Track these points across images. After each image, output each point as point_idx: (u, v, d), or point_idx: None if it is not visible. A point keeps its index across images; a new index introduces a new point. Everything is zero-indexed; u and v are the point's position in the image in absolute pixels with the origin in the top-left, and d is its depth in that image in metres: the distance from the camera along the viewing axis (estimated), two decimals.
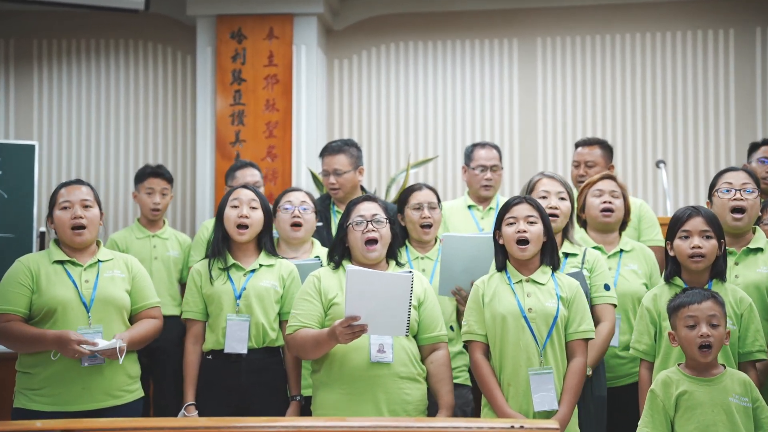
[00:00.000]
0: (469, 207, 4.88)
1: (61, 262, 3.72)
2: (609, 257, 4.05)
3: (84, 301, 3.66)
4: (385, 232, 3.66)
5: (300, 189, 4.40)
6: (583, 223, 4.18)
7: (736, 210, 3.78)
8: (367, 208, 3.68)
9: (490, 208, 4.87)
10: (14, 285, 3.67)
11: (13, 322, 3.61)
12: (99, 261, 3.77)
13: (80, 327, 3.62)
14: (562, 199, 3.92)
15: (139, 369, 3.83)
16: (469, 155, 4.98)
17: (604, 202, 4.09)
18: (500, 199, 4.91)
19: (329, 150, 4.90)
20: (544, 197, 3.86)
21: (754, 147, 5.01)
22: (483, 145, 5.02)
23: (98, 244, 3.83)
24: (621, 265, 4.03)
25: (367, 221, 3.63)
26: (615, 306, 3.82)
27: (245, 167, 5.26)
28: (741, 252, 3.79)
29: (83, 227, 3.72)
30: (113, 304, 3.71)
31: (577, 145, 5.06)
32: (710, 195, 3.90)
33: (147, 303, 3.82)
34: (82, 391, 3.63)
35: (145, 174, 5.24)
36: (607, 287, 3.81)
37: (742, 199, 3.79)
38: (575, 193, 4.17)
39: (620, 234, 4.17)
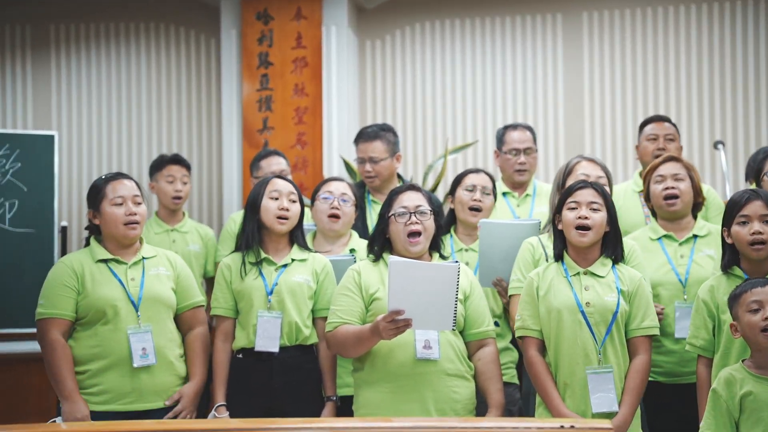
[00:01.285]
0: (504, 194, 4.84)
1: (105, 261, 3.80)
2: (681, 244, 3.98)
3: (132, 300, 3.75)
4: (429, 224, 3.66)
5: (341, 179, 4.41)
6: (653, 212, 4.12)
7: None
8: (410, 199, 3.69)
9: (527, 195, 4.84)
10: (60, 288, 3.75)
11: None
12: (144, 258, 3.85)
13: (130, 327, 3.72)
14: (603, 185, 3.89)
15: (185, 369, 3.89)
16: (500, 138, 4.96)
17: (666, 189, 4.00)
18: (537, 185, 4.88)
19: (364, 136, 4.90)
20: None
21: None
22: (515, 126, 4.99)
23: (141, 240, 3.91)
24: (695, 251, 3.93)
25: (411, 213, 3.64)
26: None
27: (270, 156, 5.26)
28: None
29: (137, 222, 3.81)
30: (161, 302, 3.81)
31: (648, 122, 4.98)
32: (758, 179, 3.83)
33: (192, 302, 3.92)
34: (133, 391, 3.72)
35: (163, 162, 5.27)
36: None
37: None
38: (632, 176, 4.11)
39: (695, 217, 4.08)
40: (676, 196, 4.00)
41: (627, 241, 3.83)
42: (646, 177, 4.10)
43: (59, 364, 3.69)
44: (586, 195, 3.52)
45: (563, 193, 3.60)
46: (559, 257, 3.56)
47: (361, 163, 4.86)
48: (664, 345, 3.90)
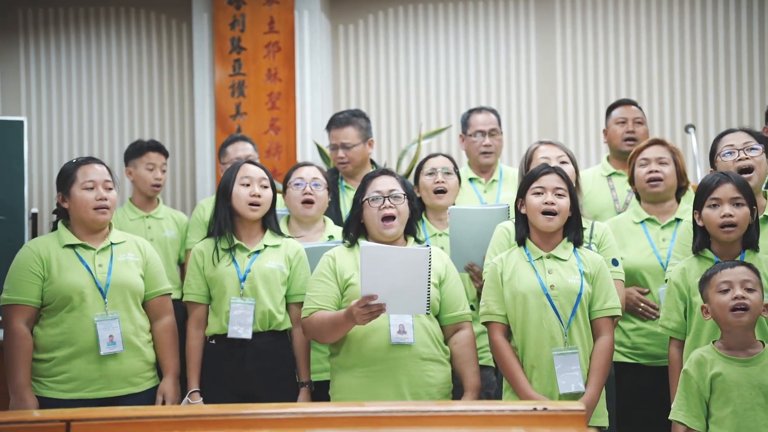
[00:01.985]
0: (471, 180, 4.85)
1: (72, 246, 3.76)
2: (663, 227, 4.02)
3: (99, 286, 3.72)
4: (403, 208, 3.67)
5: (312, 164, 4.41)
6: (637, 195, 4.14)
7: (743, 171, 3.69)
8: (383, 183, 3.69)
9: (493, 180, 4.85)
10: (25, 273, 3.71)
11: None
12: (112, 244, 3.81)
13: (97, 314, 3.69)
14: (564, 163, 3.93)
15: (154, 355, 3.88)
16: (465, 122, 4.97)
17: (650, 172, 4.02)
18: (503, 169, 4.90)
19: (336, 122, 4.90)
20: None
21: None
22: (480, 109, 5.01)
23: (110, 226, 3.87)
24: (677, 234, 3.93)
25: (384, 197, 3.64)
26: (623, 282, 3.82)
27: (236, 141, 5.23)
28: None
29: (107, 207, 3.77)
30: (129, 289, 3.78)
31: (615, 105, 5.02)
32: (712, 163, 3.87)
33: (159, 290, 3.90)
34: (100, 378, 3.70)
35: (143, 148, 5.22)
36: (615, 262, 3.81)
37: (747, 158, 3.73)
38: (599, 160, 4.14)
39: (678, 201, 4.11)
40: (659, 179, 4.03)
41: (600, 225, 3.86)
42: (631, 160, 4.13)
43: (14, 356, 3.66)
44: (551, 180, 3.54)
45: (526, 177, 3.62)
46: (521, 242, 3.57)
47: (334, 150, 4.86)
48: (645, 328, 3.93)
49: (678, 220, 4.01)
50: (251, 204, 3.92)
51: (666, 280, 3.66)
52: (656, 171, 4.02)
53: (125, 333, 3.73)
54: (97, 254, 3.77)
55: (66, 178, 3.80)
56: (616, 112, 4.93)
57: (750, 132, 3.85)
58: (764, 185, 3.82)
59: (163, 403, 3.79)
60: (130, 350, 3.74)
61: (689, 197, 4.17)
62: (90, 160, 3.88)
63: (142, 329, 3.82)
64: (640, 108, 5.00)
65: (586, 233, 3.80)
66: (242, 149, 5.13)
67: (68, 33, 7.22)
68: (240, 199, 3.92)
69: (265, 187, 3.96)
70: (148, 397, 3.80)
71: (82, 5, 7.22)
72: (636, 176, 4.08)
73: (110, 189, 3.80)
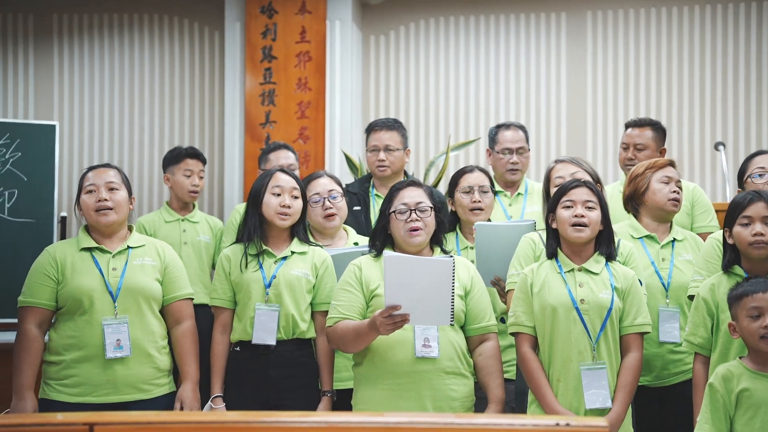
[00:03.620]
0: (496, 193, 4.84)
1: (89, 249, 3.77)
2: (662, 247, 4.01)
3: (110, 290, 3.70)
4: (429, 220, 3.65)
5: (323, 174, 4.35)
6: (634, 209, 4.12)
7: None
8: (411, 196, 3.67)
9: (519, 194, 4.83)
10: (39, 276, 3.73)
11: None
12: (129, 247, 3.80)
13: (105, 318, 3.67)
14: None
15: (170, 362, 3.85)
16: (493, 137, 4.95)
17: (674, 191, 4.02)
18: (528, 184, 4.87)
19: (380, 125, 4.87)
20: (558, 185, 3.84)
21: None
22: (508, 126, 4.97)
23: (130, 229, 3.88)
24: (675, 255, 3.97)
25: (411, 210, 3.62)
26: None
27: (279, 149, 5.24)
28: None
29: (109, 209, 3.75)
30: (141, 293, 3.75)
31: (626, 126, 4.99)
32: (741, 183, 3.84)
33: (178, 294, 3.85)
34: (107, 383, 3.68)
35: (181, 155, 5.26)
36: (640, 282, 3.78)
37: None
38: (622, 177, 4.12)
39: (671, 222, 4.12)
40: (680, 200, 4.05)
41: (626, 244, 3.84)
42: (644, 174, 4.10)
43: (20, 357, 3.66)
44: (581, 194, 3.54)
45: (557, 191, 3.61)
46: (552, 255, 3.55)
47: (374, 152, 4.80)
48: (647, 348, 3.89)
49: (674, 240, 4.02)
50: (280, 214, 3.91)
51: (689, 296, 3.64)
52: (678, 192, 4.03)
53: (135, 338, 3.70)
54: (113, 258, 3.76)
55: (79, 186, 3.85)
56: (624, 135, 4.95)
57: None
58: None
59: (181, 409, 3.77)
60: (139, 356, 3.71)
61: (686, 216, 4.18)
62: (99, 165, 3.89)
63: (156, 335, 3.79)
64: (656, 128, 4.93)
65: None
66: (284, 157, 5.13)
67: (102, 39, 7.29)
68: (270, 207, 3.92)
69: (296, 197, 3.94)
70: (159, 404, 3.75)
71: (116, 12, 7.29)
72: (655, 191, 4.03)
73: (115, 190, 3.79)
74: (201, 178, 5.24)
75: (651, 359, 3.89)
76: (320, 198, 4.20)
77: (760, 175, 3.76)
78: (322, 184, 4.25)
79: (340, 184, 4.30)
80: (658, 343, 3.88)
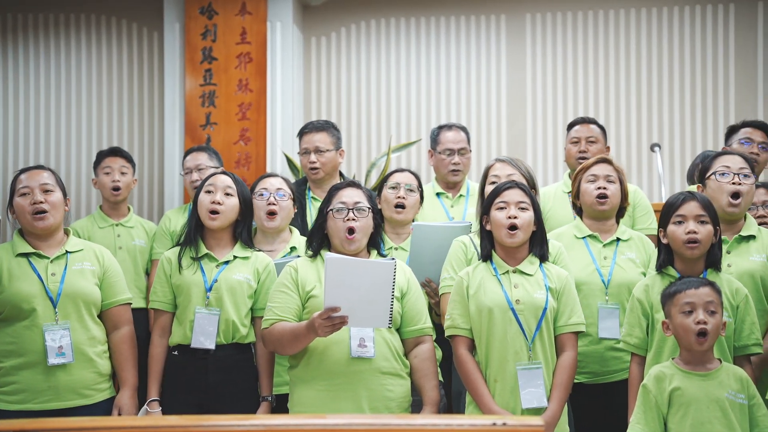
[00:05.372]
0: (438, 194, 4.86)
1: (26, 255, 3.70)
2: (605, 246, 4.05)
3: (50, 296, 3.65)
4: (366, 221, 3.65)
5: (276, 174, 4.37)
6: (579, 211, 4.17)
7: (734, 195, 3.80)
8: (349, 195, 3.68)
9: (460, 195, 4.86)
10: None
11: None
12: (67, 252, 3.75)
13: (46, 324, 3.61)
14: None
15: (110, 366, 3.81)
16: (435, 138, 4.97)
17: (599, 188, 4.03)
18: (470, 185, 4.90)
19: (310, 127, 4.87)
20: (494, 183, 3.87)
21: (732, 130, 4.94)
22: (450, 126, 5.00)
23: (67, 233, 3.81)
24: (617, 254, 4.00)
25: (349, 209, 3.62)
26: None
27: (194, 151, 5.22)
28: (733, 240, 3.83)
29: (44, 212, 3.69)
30: (82, 298, 3.70)
31: (572, 124, 5.03)
32: (703, 179, 3.91)
33: (117, 299, 3.82)
34: (49, 389, 3.63)
35: (101, 156, 5.21)
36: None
37: (740, 184, 3.81)
38: (563, 177, 4.15)
39: (618, 221, 4.16)
40: (606, 196, 4.05)
41: (554, 243, 3.87)
42: (577, 176, 4.15)
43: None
44: (514, 195, 3.56)
45: (491, 193, 3.64)
46: (487, 257, 3.57)
47: (305, 155, 4.81)
48: (587, 345, 3.93)
49: (618, 239, 4.05)
50: (210, 212, 3.88)
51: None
52: (605, 188, 4.04)
53: (77, 344, 3.66)
54: (51, 263, 3.71)
55: (10, 189, 3.77)
56: (572, 131, 4.96)
57: (745, 158, 3.91)
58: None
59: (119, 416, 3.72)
60: (81, 361, 3.67)
61: (627, 218, 4.24)
62: (32, 167, 3.82)
63: (97, 340, 3.75)
64: (600, 126, 4.99)
65: None
66: (198, 158, 5.11)
67: (37, 39, 7.17)
68: (202, 206, 3.90)
69: (229, 195, 3.92)
70: (100, 409, 3.72)
71: (52, 11, 7.17)
72: (583, 191, 4.09)
73: (49, 191, 3.72)
74: (123, 174, 5.14)
75: (590, 356, 3.94)
76: (267, 194, 4.20)
77: (725, 174, 3.83)
78: (271, 182, 4.26)
79: (292, 189, 4.29)
80: (597, 339, 3.92)
